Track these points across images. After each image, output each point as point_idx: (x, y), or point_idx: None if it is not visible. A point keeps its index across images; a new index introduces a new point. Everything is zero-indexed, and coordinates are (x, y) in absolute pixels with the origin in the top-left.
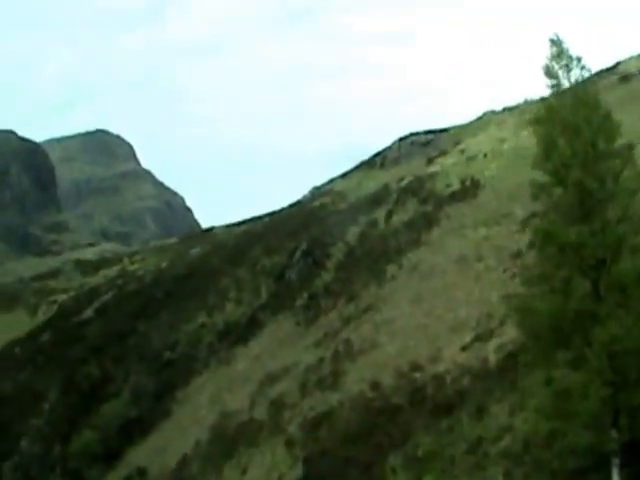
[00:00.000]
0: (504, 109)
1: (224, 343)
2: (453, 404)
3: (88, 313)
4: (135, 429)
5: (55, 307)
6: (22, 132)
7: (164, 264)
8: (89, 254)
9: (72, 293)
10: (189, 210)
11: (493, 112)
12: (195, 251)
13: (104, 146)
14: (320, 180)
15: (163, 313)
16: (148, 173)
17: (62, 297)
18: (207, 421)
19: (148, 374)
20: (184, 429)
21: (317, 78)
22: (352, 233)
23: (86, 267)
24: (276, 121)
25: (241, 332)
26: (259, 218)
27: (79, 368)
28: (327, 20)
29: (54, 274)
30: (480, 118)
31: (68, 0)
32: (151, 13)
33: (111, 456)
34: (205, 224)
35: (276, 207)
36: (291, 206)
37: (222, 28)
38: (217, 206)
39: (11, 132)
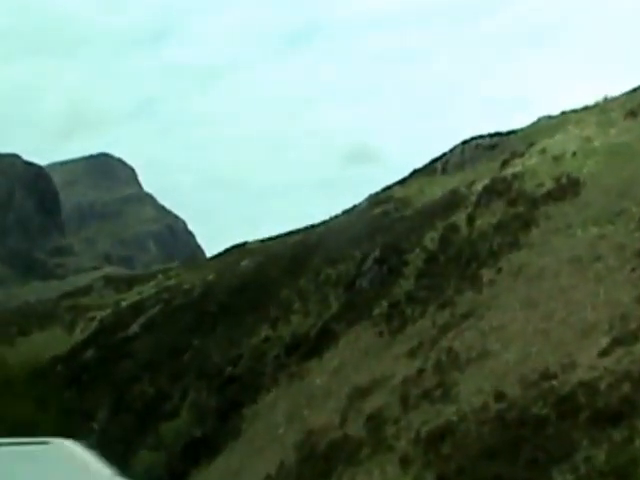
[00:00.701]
0: (583, 108)
1: (293, 357)
2: (620, 413)
3: (134, 328)
4: (200, 449)
5: (94, 324)
6: (24, 157)
7: (210, 277)
8: (94, 278)
9: (109, 310)
10: (191, 234)
11: (574, 111)
12: (246, 263)
13: (106, 170)
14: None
15: (219, 327)
16: (150, 197)
17: (100, 313)
18: (288, 440)
19: (209, 391)
20: (260, 449)
21: (322, 100)
22: (430, 239)
23: (118, 283)
24: (277, 145)
25: (312, 345)
26: (309, 228)
27: (130, 386)
28: (328, 40)
29: (85, 291)
30: (552, 118)
31: (68, 27)
32: (151, 39)
33: (176, 478)
34: (207, 248)
35: (279, 231)
36: (344, 214)
37: (222, 52)
38: (218, 230)
39: (15, 156)
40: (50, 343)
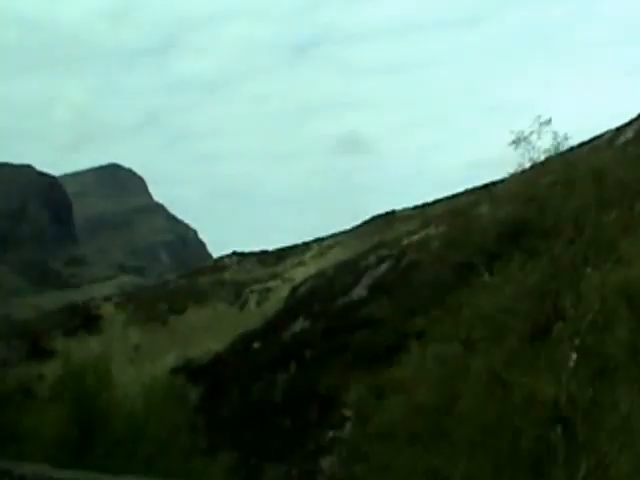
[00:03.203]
0: None
1: None
2: None
3: (359, 292)
4: None
5: (270, 295)
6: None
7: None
8: (108, 287)
9: (271, 282)
10: (202, 243)
11: None
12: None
13: (117, 180)
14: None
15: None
16: (160, 207)
17: (258, 287)
18: None
19: None
20: None
21: (324, 112)
22: None
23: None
24: (282, 155)
25: None
26: None
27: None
28: (332, 52)
29: (216, 269)
30: None
31: (76, 41)
32: (157, 52)
33: None
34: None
35: (285, 240)
36: None
37: (227, 64)
38: (226, 240)
39: (29, 167)
40: (223, 318)
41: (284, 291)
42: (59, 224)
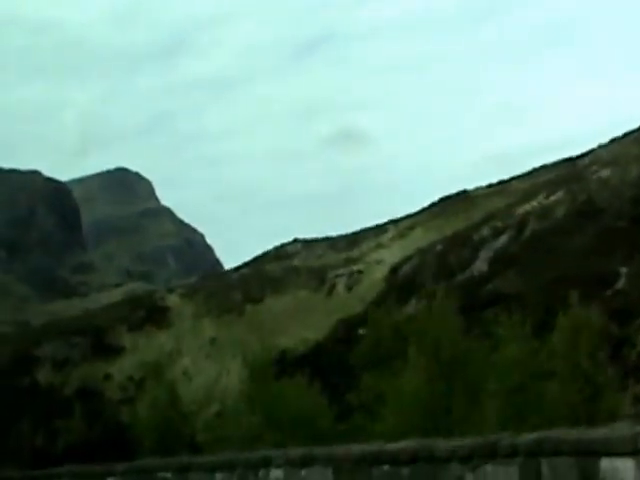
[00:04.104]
0: None
1: None
2: None
3: (479, 267)
4: None
5: (362, 278)
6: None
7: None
8: (117, 295)
9: (354, 267)
10: (209, 248)
11: None
12: None
13: (124, 184)
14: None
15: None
16: (168, 210)
17: (345, 270)
18: None
19: None
20: None
21: (331, 111)
22: None
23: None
24: (289, 156)
25: None
26: None
27: None
28: (338, 50)
29: (288, 255)
30: None
31: (82, 45)
32: (163, 54)
33: None
34: (225, 262)
35: None
36: None
37: (234, 65)
38: (233, 243)
39: (36, 172)
40: (308, 305)
41: (376, 273)
42: (67, 230)
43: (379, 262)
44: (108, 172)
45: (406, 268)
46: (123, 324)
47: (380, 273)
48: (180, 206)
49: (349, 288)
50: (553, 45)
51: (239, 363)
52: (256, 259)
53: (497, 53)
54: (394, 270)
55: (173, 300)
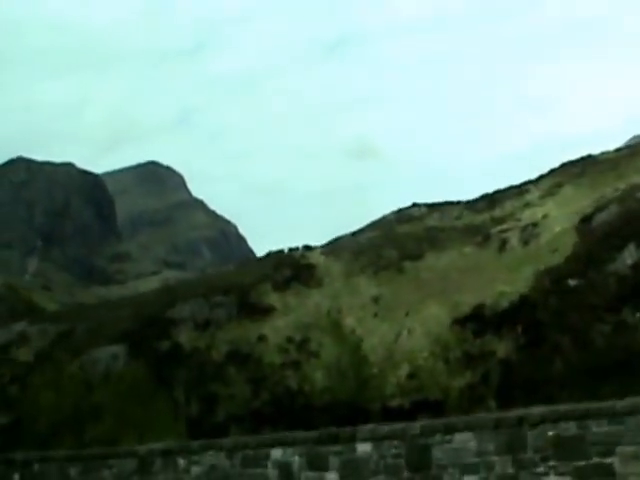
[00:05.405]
0: None
1: None
2: None
3: None
4: None
5: (539, 232)
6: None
7: None
8: (154, 282)
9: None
10: (243, 238)
11: None
12: None
13: (156, 177)
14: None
15: None
16: (200, 202)
17: (514, 224)
18: None
19: None
20: None
21: (355, 109)
22: None
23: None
24: (314, 152)
25: None
26: None
27: None
28: (362, 49)
29: (415, 217)
30: None
31: (109, 42)
32: (189, 51)
33: None
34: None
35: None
36: None
37: (260, 61)
38: (262, 236)
39: (71, 165)
40: (482, 261)
41: (554, 227)
42: (102, 221)
43: (545, 216)
44: (140, 166)
45: (603, 216)
46: (266, 282)
47: (560, 226)
48: (212, 198)
49: (525, 242)
50: None
51: (417, 322)
52: (372, 224)
53: None
54: (584, 220)
55: (317, 258)
